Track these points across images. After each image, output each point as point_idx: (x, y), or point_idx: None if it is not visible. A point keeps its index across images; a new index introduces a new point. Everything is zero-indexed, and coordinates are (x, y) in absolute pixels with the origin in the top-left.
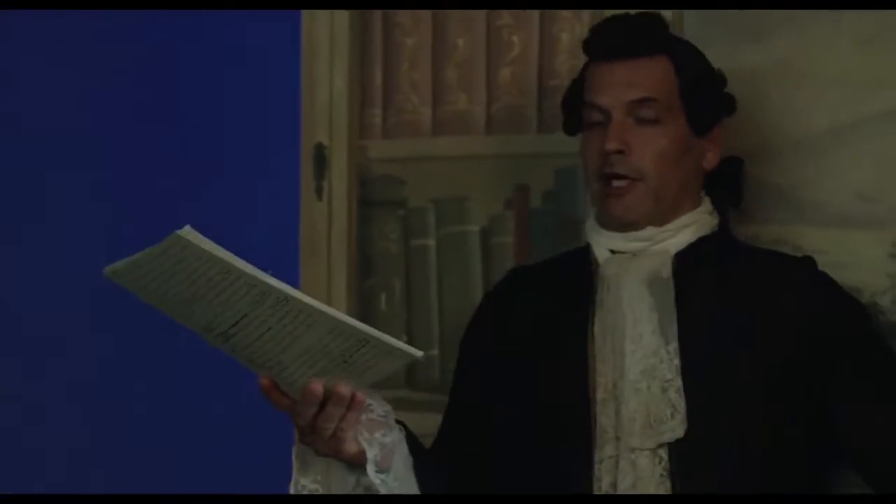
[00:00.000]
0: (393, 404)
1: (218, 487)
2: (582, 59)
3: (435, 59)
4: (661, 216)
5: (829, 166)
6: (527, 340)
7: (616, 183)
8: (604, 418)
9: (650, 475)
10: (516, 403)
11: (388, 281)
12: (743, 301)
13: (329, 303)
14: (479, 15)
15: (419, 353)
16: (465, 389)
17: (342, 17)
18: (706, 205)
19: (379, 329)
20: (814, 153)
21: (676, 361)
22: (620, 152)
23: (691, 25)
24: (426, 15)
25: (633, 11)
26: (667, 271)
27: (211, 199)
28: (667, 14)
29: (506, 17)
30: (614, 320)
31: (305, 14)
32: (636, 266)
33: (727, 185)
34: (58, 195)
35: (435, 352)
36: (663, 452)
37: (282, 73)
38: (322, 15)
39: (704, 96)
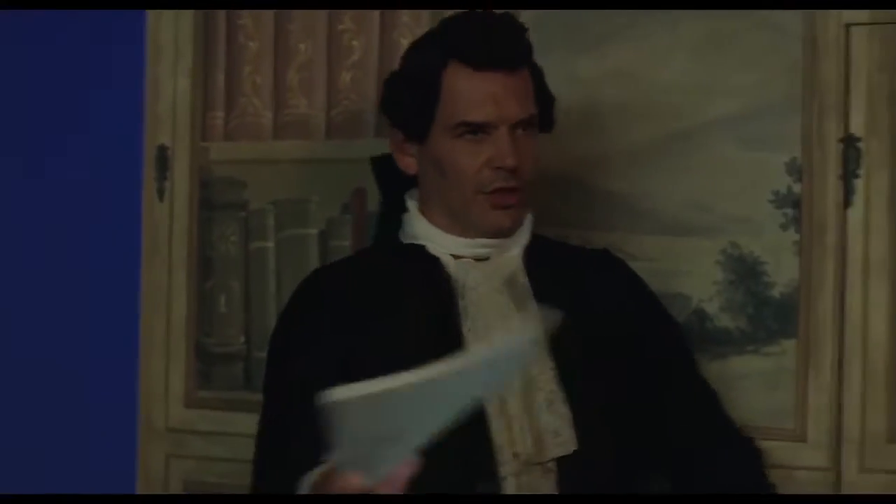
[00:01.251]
0: (231, 405)
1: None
2: None
3: (277, 62)
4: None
5: (662, 174)
6: (386, 346)
7: (509, 196)
8: (498, 435)
9: (542, 487)
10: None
11: (228, 282)
12: (585, 296)
13: (168, 303)
14: (321, 20)
15: None
16: (305, 394)
17: (186, 19)
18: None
19: (218, 329)
20: (647, 161)
21: (555, 371)
22: (516, 168)
23: (529, 32)
24: (269, 19)
25: (497, 12)
26: (522, 276)
27: (53, 198)
28: None
29: (347, 21)
30: (486, 331)
31: (151, 15)
32: (494, 272)
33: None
34: None
35: None
36: (553, 465)
37: (126, 74)
38: (167, 17)
39: (549, 100)
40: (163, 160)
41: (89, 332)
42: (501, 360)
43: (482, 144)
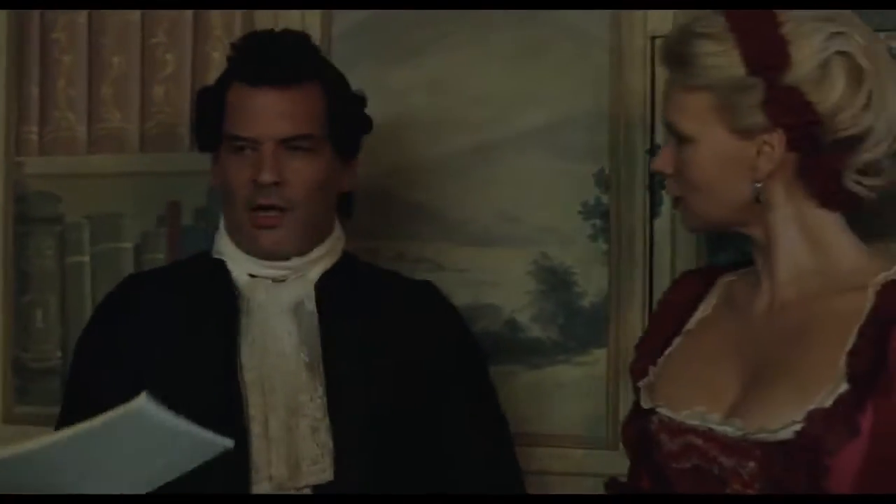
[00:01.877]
0: (50, 420)
1: None
2: None
3: (91, 76)
4: (307, 245)
5: (472, 185)
6: (162, 352)
7: (266, 214)
8: (258, 454)
9: None
10: None
11: (45, 297)
12: (375, 332)
13: None
14: (135, 33)
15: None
16: (83, 399)
17: None
18: (338, 228)
19: (35, 344)
20: (457, 172)
21: (324, 399)
22: (276, 184)
23: (338, 46)
24: (83, 32)
25: (286, 31)
26: (311, 302)
27: None
28: (314, 34)
29: (160, 35)
30: (263, 353)
31: None
32: (282, 295)
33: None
34: None
35: None
36: (308, 491)
37: None
38: None
39: (351, 123)
40: None
41: None
42: (116, 428)
43: (249, 160)
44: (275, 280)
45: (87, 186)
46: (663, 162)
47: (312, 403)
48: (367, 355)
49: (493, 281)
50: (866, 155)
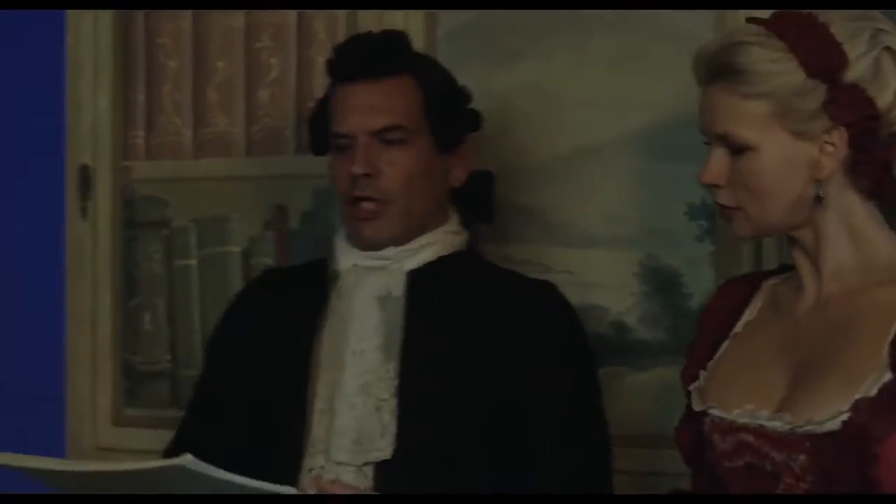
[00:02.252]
0: (159, 423)
1: None
2: None
3: (196, 81)
4: (406, 236)
5: (576, 187)
6: (261, 339)
7: (365, 205)
8: (318, 428)
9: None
10: (242, 401)
11: (152, 300)
12: (471, 324)
13: (94, 322)
14: (239, 38)
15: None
16: (204, 385)
17: (105, 38)
18: (452, 224)
19: (144, 347)
20: (561, 174)
21: (395, 381)
22: (368, 176)
23: (443, 48)
24: (187, 37)
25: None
26: (399, 290)
27: None
28: (418, 36)
29: (265, 39)
30: (341, 332)
31: (70, 35)
32: (371, 281)
33: (476, 201)
34: None
35: (197, 371)
36: (368, 470)
37: (47, 94)
38: (86, 36)
39: (449, 113)
40: (85, 180)
41: (15, 354)
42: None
43: (347, 155)
44: (373, 268)
45: (193, 190)
46: (713, 174)
47: (381, 384)
48: (450, 346)
49: (598, 282)
50: None
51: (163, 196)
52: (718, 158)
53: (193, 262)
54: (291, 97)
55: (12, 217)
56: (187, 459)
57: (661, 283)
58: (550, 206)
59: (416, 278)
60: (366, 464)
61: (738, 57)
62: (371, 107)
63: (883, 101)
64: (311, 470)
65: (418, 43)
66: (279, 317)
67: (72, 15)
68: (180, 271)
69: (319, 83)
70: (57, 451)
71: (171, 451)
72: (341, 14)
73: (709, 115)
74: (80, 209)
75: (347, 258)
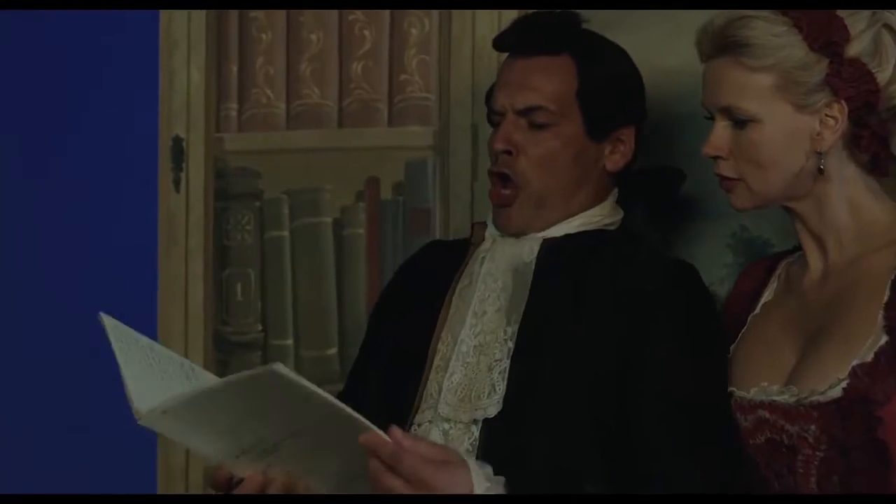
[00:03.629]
0: None
1: None
2: (429, 55)
3: (289, 53)
4: (547, 219)
5: (669, 159)
6: (406, 304)
7: (502, 190)
8: (433, 384)
9: (458, 447)
10: (381, 361)
11: (244, 271)
12: (596, 296)
13: (186, 293)
14: (332, 10)
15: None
16: (360, 350)
17: (199, 12)
18: (604, 207)
19: (235, 318)
20: (653, 145)
21: (510, 344)
22: (507, 153)
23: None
24: (281, 10)
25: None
26: (530, 256)
27: (72, 191)
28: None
29: (357, 12)
30: (468, 293)
31: (164, 10)
32: (507, 248)
33: (655, 192)
34: None
35: (289, 341)
36: (475, 428)
37: (141, 68)
38: (180, 11)
39: (604, 101)
40: (178, 151)
41: None
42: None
43: (497, 132)
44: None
45: (286, 162)
46: (716, 146)
47: (497, 345)
48: (571, 315)
49: (691, 254)
50: None
51: (255, 168)
52: (722, 131)
53: (285, 233)
54: (384, 70)
55: (108, 188)
56: (278, 365)
57: (753, 255)
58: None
59: (551, 247)
60: (474, 422)
61: (745, 30)
62: (521, 84)
63: (883, 76)
64: (419, 425)
65: (505, 22)
66: (425, 284)
67: None
68: (272, 242)
69: (411, 56)
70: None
71: None
72: None
73: (713, 88)
74: (173, 181)
75: (494, 229)
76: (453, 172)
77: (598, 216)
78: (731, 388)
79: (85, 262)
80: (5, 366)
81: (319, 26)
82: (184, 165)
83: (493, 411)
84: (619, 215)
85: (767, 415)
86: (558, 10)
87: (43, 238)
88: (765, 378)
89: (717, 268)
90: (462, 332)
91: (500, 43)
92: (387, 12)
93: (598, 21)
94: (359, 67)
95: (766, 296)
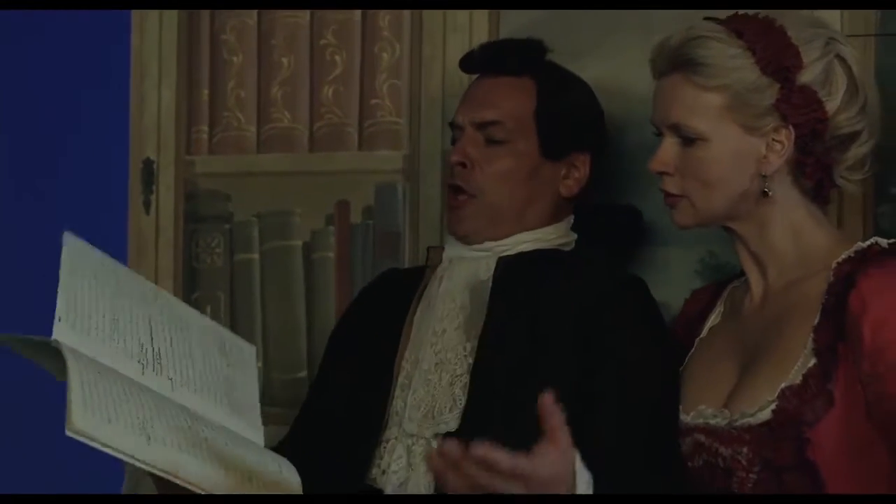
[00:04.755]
0: None
1: None
2: (400, 80)
3: (260, 77)
4: (499, 231)
5: (642, 183)
6: (365, 329)
7: (458, 197)
8: (398, 402)
9: (421, 461)
10: (341, 387)
11: (214, 294)
12: (550, 312)
13: None
14: (303, 34)
15: None
16: (317, 376)
17: (171, 34)
18: (558, 228)
19: None
20: (628, 171)
21: (470, 360)
22: (462, 165)
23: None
24: (252, 33)
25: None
26: (487, 273)
27: (40, 210)
28: (482, 34)
29: (329, 36)
30: (428, 312)
31: (135, 32)
32: (464, 267)
33: (615, 231)
34: None
35: (259, 364)
36: (436, 442)
37: (112, 90)
38: (151, 32)
39: (560, 123)
40: (149, 173)
41: None
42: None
43: (456, 146)
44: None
45: (256, 185)
46: (663, 161)
47: (457, 361)
48: (527, 331)
49: (660, 279)
50: (855, 152)
51: (226, 190)
52: (669, 147)
53: (255, 256)
54: (355, 94)
55: (79, 209)
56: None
57: (722, 280)
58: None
59: (507, 264)
60: (435, 435)
61: (700, 49)
62: (481, 100)
63: (831, 105)
64: (386, 442)
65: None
66: (384, 310)
67: (137, 12)
68: (242, 265)
69: (383, 80)
70: None
71: (283, 442)
72: (406, 12)
73: (663, 104)
74: (143, 202)
75: (450, 250)
76: (423, 196)
77: (552, 235)
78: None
79: (54, 282)
80: None
81: (291, 50)
82: (154, 188)
83: (454, 425)
84: (573, 237)
85: (703, 438)
86: (525, 38)
87: (10, 259)
88: (704, 401)
89: (685, 293)
90: (423, 351)
91: (466, 63)
92: (358, 36)
93: (572, 46)
94: (329, 91)
95: (713, 319)
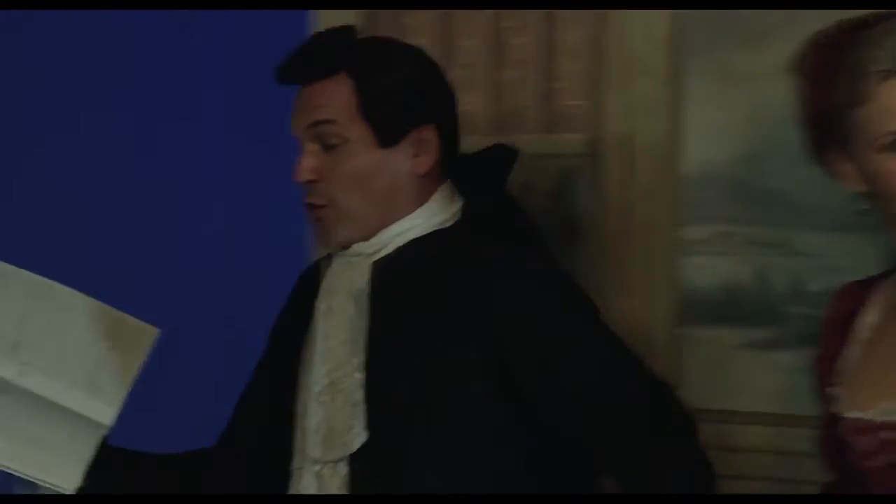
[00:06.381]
0: None
1: None
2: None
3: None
4: (366, 232)
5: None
6: (277, 337)
7: (315, 211)
8: (298, 430)
9: (330, 486)
10: (261, 389)
11: None
12: (430, 308)
13: None
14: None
15: None
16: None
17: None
18: (428, 208)
19: None
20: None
21: (359, 375)
22: (312, 182)
23: (689, 29)
24: (434, 16)
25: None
26: (362, 281)
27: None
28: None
29: (508, 19)
30: (317, 333)
31: (311, 18)
32: (343, 277)
33: (487, 173)
34: None
35: None
36: (343, 465)
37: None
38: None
39: (388, 108)
40: None
41: None
42: None
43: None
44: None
45: None
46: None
47: (347, 378)
48: (412, 332)
49: (849, 266)
50: None
51: None
52: None
53: None
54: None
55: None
56: None
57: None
58: (797, 190)
59: (382, 267)
60: (341, 459)
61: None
62: (306, 106)
63: None
64: (299, 468)
65: (659, 28)
66: (296, 314)
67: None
68: None
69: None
70: None
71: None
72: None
73: None
74: None
75: (331, 260)
76: (607, 181)
77: (422, 218)
78: (845, 410)
79: None
80: None
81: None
82: None
83: (355, 445)
84: (453, 209)
85: (893, 436)
86: (332, 29)
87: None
88: (885, 399)
89: None
90: (314, 374)
91: (280, 76)
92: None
93: (755, 28)
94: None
95: (872, 317)
